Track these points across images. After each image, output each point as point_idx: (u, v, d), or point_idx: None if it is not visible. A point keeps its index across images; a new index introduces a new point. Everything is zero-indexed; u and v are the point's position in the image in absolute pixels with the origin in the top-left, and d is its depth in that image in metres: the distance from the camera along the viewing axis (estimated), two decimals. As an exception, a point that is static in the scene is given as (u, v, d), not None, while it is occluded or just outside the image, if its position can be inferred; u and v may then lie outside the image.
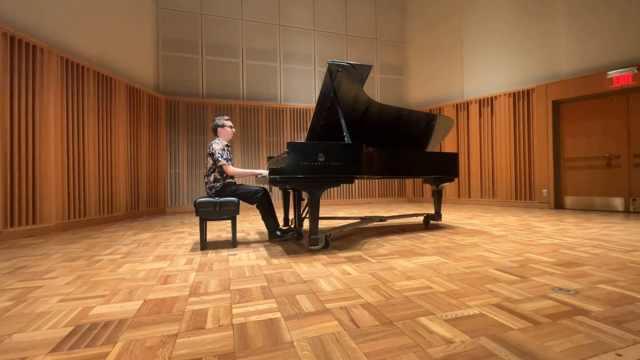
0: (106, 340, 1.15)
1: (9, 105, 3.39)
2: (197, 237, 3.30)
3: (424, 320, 1.26)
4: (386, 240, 3.03)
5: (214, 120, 3.05)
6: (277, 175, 2.37)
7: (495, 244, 2.71)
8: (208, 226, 4.19)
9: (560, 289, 1.58)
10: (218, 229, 3.89)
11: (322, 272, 1.98)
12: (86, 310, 1.43)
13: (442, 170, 3.71)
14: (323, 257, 2.38)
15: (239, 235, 3.47)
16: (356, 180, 7.73)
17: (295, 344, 1.10)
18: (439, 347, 1.06)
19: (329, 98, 2.97)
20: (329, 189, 7.57)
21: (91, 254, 2.59)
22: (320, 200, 7.50)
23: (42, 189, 3.71)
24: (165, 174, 6.33)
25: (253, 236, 3.37)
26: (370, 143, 3.52)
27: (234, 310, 1.40)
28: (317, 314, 1.34)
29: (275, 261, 2.27)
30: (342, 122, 2.73)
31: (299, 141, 2.64)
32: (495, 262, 2.14)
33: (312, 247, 2.49)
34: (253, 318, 1.32)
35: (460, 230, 3.51)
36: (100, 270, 2.11)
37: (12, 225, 3.39)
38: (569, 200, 5.67)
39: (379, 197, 8.00)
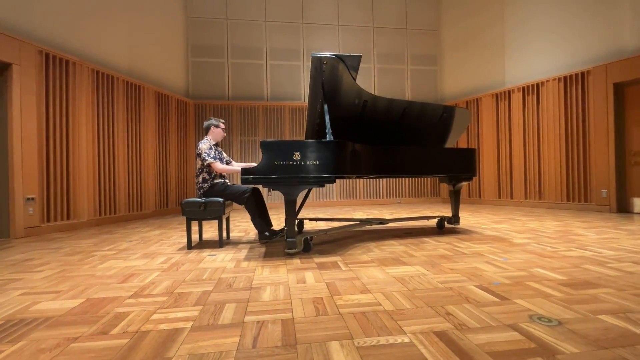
0: (15, 339, 1.18)
1: (45, 113, 3.83)
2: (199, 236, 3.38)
3: (333, 345, 1.08)
4: (380, 245, 2.78)
5: (209, 119, 3.08)
6: (250, 176, 2.30)
7: (505, 255, 2.32)
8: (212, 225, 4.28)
9: (540, 318, 1.26)
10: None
11: (278, 279, 1.85)
12: (30, 306, 1.50)
13: (455, 168, 3.31)
14: (296, 261, 2.24)
15: (237, 235, 3.48)
16: (383, 180, 7.35)
17: (172, 361, 1.01)
18: (320, 383, 0.88)
19: (319, 94, 2.82)
20: (354, 188, 7.32)
21: (93, 250, 2.79)
22: (344, 199, 7.29)
23: (75, 188, 4.14)
24: (194, 174, 6.68)
25: (249, 237, 3.36)
26: (370, 140, 3.28)
27: (154, 316, 1.35)
28: (227, 327, 1.23)
29: (244, 264, 2.20)
30: (327, 118, 2.57)
31: (272, 139, 2.53)
32: (486, 277, 1.81)
33: (289, 250, 2.38)
34: (162, 326, 1.25)
35: (475, 236, 3.10)
36: (83, 266, 2.24)
37: (48, 220, 3.83)
38: (638, 202, 4.72)
39: (409, 197, 7.54)
